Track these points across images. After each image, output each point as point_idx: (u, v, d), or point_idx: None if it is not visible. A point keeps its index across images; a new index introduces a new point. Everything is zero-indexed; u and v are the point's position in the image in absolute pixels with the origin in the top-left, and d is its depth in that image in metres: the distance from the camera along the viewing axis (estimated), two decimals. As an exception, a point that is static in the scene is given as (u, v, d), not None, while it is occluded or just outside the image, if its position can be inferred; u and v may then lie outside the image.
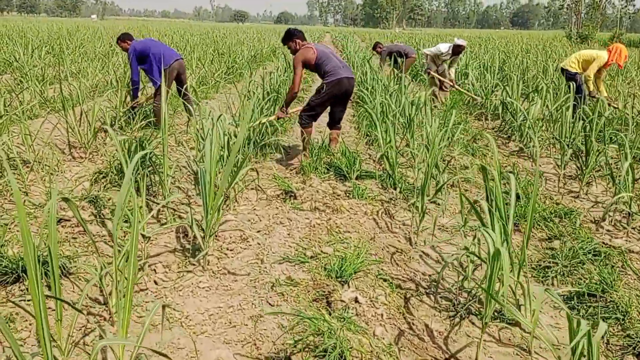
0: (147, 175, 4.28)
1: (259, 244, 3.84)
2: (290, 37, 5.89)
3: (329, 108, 5.89)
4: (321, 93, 5.63)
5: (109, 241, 3.74)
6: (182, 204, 4.58)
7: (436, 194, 4.52)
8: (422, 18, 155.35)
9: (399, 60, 10.29)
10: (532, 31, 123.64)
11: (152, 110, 7.29)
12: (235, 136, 5.42)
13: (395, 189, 4.98)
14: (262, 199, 4.81)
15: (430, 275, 3.45)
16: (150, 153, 4.60)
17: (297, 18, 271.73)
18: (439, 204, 4.75)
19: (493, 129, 8.16)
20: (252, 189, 5.10)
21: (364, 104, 8.81)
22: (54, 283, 2.06)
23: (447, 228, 4.28)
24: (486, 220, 2.92)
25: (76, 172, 5.33)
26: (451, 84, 9.59)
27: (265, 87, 7.80)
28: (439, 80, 9.73)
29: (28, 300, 2.86)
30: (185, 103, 7.51)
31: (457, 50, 9.41)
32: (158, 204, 4.16)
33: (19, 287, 2.96)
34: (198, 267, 3.50)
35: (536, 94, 7.96)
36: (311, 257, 3.56)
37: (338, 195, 4.76)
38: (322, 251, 3.64)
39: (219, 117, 4.39)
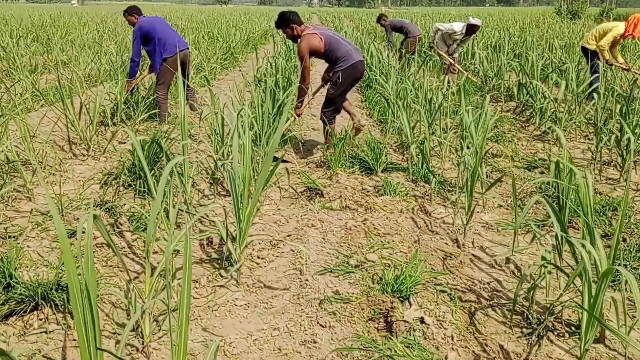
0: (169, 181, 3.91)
1: (292, 250, 3.50)
2: (286, 22, 5.35)
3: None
4: (338, 83, 5.21)
5: (129, 253, 3.38)
6: (201, 205, 4.22)
7: (487, 191, 4.16)
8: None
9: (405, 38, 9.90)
10: (519, 8, 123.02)
11: (154, 101, 6.87)
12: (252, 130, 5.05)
13: (429, 183, 4.64)
14: (285, 197, 4.46)
15: (488, 284, 3.13)
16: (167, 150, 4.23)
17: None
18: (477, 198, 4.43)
19: (508, 111, 7.83)
20: (272, 185, 4.74)
21: (372, 87, 8.45)
22: (93, 330, 1.70)
23: (491, 226, 3.95)
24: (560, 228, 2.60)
25: (80, 172, 4.94)
26: (452, 62, 9.23)
27: (272, 73, 7.40)
28: (447, 62, 9.37)
29: (50, 332, 2.50)
30: (189, 98, 7.10)
31: (471, 30, 9.03)
32: (181, 210, 3.79)
33: (37, 316, 2.60)
34: (231, 280, 3.15)
35: (554, 74, 7.63)
36: (356, 266, 3.22)
37: (368, 192, 4.41)
38: (366, 259, 3.30)
39: (240, 110, 4.02)
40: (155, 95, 6.82)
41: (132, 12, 6.76)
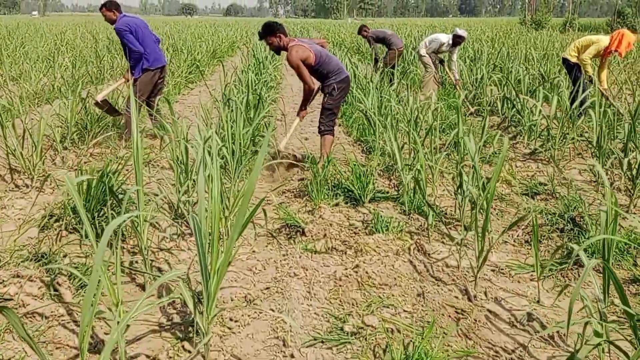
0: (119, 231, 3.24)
1: (273, 310, 2.89)
2: (272, 32, 5.06)
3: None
4: (335, 94, 5.09)
5: (68, 322, 2.72)
6: (161, 249, 3.58)
7: (505, 233, 3.62)
8: (373, 7, 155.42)
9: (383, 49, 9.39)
10: (482, 18, 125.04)
11: (115, 117, 6.18)
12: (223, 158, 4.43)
13: (423, 216, 4.08)
14: (260, 235, 3.85)
15: (513, 351, 2.57)
16: (119, 187, 3.58)
17: (246, 10, 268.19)
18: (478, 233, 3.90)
19: (492, 127, 7.37)
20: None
21: (349, 103, 7.91)
22: None
23: (501, 269, 3.41)
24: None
25: (21, 208, 4.24)
26: (456, 80, 8.79)
27: (241, 90, 6.79)
28: (434, 74, 8.90)
29: None
30: (154, 118, 6.44)
31: (457, 41, 8.60)
32: (134, 269, 3.14)
33: None
34: (197, 356, 2.53)
35: (543, 88, 7.21)
36: (352, 333, 2.63)
37: (356, 228, 3.83)
38: (364, 322, 2.71)
39: (207, 140, 3.40)
40: (125, 111, 6.14)
41: (111, 7, 5.98)
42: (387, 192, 4.56)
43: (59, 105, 6.09)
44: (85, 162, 5.58)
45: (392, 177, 5.02)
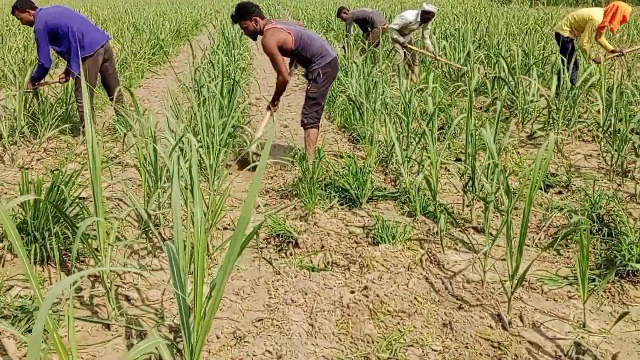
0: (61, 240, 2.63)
1: (270, 352, 2.35)
2: (247, 15, 4.40)
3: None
4: (319, 81, 4.45)
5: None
6: (127, 273, 3.00)
7: (551, 246, 3.14)
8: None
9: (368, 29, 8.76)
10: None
11: (78, 110, 5.49)
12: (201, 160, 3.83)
13: (430, 217, 3.58)
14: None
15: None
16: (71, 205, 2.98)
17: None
18: (491, 234, 3.43)
19: (480, 108, 6.90)
20: (225, 228, 3.56)
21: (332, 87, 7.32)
22: None
23: (531, 283, 2.94)
24: None
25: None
26: (432, 55, 8.20)
27: (213, 73, 6.15)
28: (411, 55, 8.34)
29: None
30: (117, 107, 5.77)
31: (425, 17, 8.04)
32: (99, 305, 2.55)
33: None
34: None
35: (538, 68, 6.75)
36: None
37: (357, 237, 3.30)
38: (386, 369, 2.20)
39: (181, 138, 2.81)
40: (77, 104, 5.45)
41: (24, 7, 5.12)
42: (385, 190, 4.04)
43: (6, 95, 5.37)
44: (38, 160, 4.92)
45: (387, 171, 4.50)
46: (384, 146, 4.94)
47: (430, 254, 3.16)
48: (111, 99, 5.79)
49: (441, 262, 3.11)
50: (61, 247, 3.01)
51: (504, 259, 3.17)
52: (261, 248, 3.29)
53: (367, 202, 3.83)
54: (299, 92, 7.88)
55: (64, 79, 5.67)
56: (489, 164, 3.45)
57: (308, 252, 3.15)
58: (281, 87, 4.52)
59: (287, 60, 4.69)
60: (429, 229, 3.48)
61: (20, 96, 5.20)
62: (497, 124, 3.64)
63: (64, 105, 5.83)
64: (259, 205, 3.86)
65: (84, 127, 5.48)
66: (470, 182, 3.63)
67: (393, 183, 4.31)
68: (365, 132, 5.31)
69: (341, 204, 3.77)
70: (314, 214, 3.44)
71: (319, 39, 4.52)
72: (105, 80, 5.64)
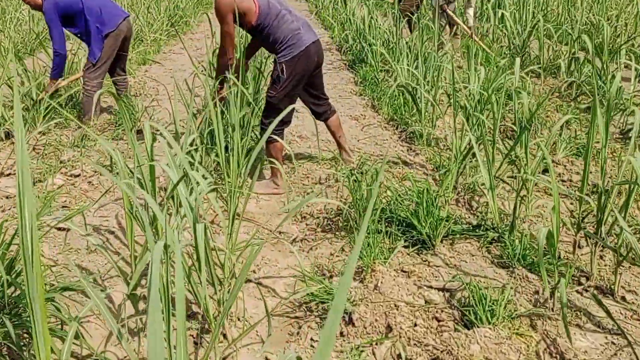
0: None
1: None
2: None
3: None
4: (282, 80, 3.31)
5: None
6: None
7: None
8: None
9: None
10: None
11: (83, 92, 4.56)
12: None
13: (532, 271, 2.55)
14: (275, 313, 2.33)
15: None
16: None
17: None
18: (624, 299, 2.39)
19: (552, 92, 5.72)
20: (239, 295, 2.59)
21: (367, 63, 6.22)
22: None
23: None
24: None
25: None
26: (469, 31, 6.92)
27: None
28: (451, 22, 7.12)
29: None
30: (121, 88, 4.83)
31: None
32: None
33: None
34: None
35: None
36: None
37: (437, 308, 2.29)
38: None
39: (176, 184, 1.81)
40: (84, 87, 4.52)
41: None
42: (462, 220, 3.00)
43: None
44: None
45: (458, 188, 3.44)
46: (443, 145, 3.89)
47: (548, 341, 2.14)
48: (114, 82, 4.85)
49: (564, 353, 2.10)
50: None
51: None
52: (297, 319, 2.30)
53: (442, 240, 2.81)
54: (334, 71, 6.79)
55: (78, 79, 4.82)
56: (627, 201, 2.39)
57: (368, 333, 2.16)
58: (222, 66, 3.40)
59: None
60: (536, 291, 2.45)
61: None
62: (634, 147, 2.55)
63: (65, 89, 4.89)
64: (294, 239, 2.88)
65: (87, 118, 4.56)
66: (593, 222, 2.58)
67: (468, 205, 3.27)
68: (422, 130, 4.25)
69: (406, 246, 2.75)
70: (374, 272, 2.42)
71: (298, 18, 3.34)
72: (114, 61, 4.68)
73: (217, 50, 3.44)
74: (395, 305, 2.24)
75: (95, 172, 3.65)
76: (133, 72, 6.54)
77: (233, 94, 3.28)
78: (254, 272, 2.69)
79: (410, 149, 4.24)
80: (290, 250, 2.61)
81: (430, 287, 2.42)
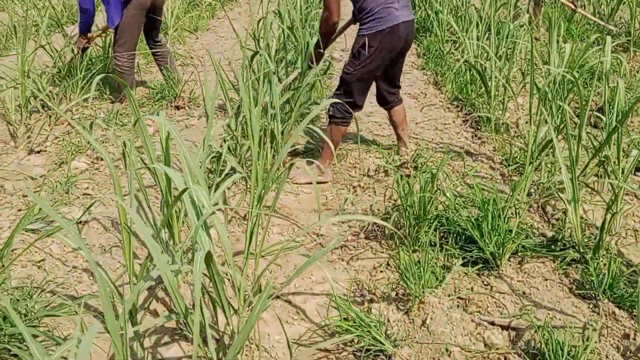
0: None
1: None
2: None
3: None
4: (362, 56, 2.90)
5: None
6: None
7: None
8: None
9: None
10: None
11: (113, 69, 4.26)
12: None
13: (629, 312, 2.05)
14: (301, 342, 1.96)
15: None
16: None
17: None
18: None
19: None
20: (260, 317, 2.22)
21: (432, 32, 5.63)
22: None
23: None
24: None
25: None
26: (572, 6, 6.07)
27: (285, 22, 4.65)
28: None
29: None
30: (161, 62, 4.47)
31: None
32: None
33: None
34: None
35: None
36: None
37: (496, 349, 1.85)
38: None
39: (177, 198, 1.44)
40: (115, 62, 4.20)
41: None
42: (533, 232, 2.51)
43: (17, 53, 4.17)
44: (56, 138, 3.72)
45: (530, 189, 2.91)
46: (514, 132, 3.37)
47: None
48: (152, 53, 4.49)
49: None
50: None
51: None
52: (328, 354, 1.92)
53: (509, 258, 2.34)
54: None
55: (102, 31, 4.48)
56: None
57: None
58: (328, 30, 3.03)
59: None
60: (626, 335, 1.96)
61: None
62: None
63: (103, 60, 4.60)
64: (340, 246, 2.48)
65: (122, 95, 4.26)
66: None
67: (541, 211, 2.76)
68: (490, 114, 3.72)
69: (465, 263, 2.29)
70: (423, 304, 1.98)
71: None
72: (148, 28, 4.32)
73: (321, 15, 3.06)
74: (447, 350, 1.81)
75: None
76: (183, 40, 6.23)
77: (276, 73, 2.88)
78: (283, 284, 2.32)
79: (476, 136, 3.73)
80: (327, 259, 2.21)
81: (492, 323, 1.97)
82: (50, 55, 4.49)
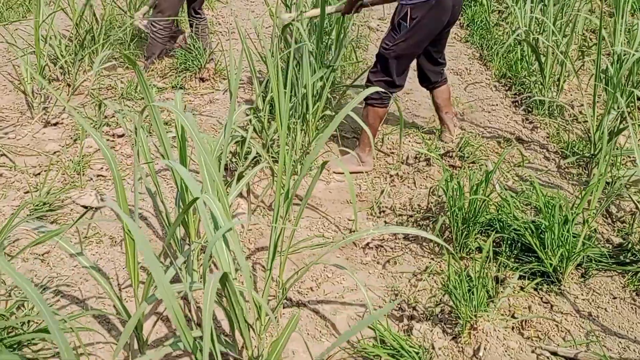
0: None
1: None
2: None
3: None
4: (403, 30, 2.56)
5: None
6: None
7: None
8: None
9: None
10: None
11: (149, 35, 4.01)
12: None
13: None
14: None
15: None
16: None
17: None
18: None
19: None
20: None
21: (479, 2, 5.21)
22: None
23: None
24: None
25: None
26: None
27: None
28: None
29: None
30: (199, 31, 4.17)
31: None
32: None
33: None
34: None
35: None
36: None
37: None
38: None
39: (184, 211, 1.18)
40: (151, 28, 3.93)
41: None
42: (599, 238, 2.19)
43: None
44: (74, 109, 3.48)
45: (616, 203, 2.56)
46: (570, 116, 3.01)
47: None
48: (190, 24, 4.19)
49: None
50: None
51: None
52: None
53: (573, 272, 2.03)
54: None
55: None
56: None
57: None
58: None
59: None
60: None
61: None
62: None
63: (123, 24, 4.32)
64: (367, 244, 2.21)
65: (149, 62, 4.01)
66: None
67: (605, 213, 2.43)
68: (544, 95, 3.35)
69: (521, 276, 1.99)
70: (475, 331, 1.70)
71: None
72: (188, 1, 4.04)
73: None
74: (502, 387, 1.54)
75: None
76: (211, 5, 5.90)
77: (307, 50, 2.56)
78: (312, 289, 2.06)
79: (527, 119, 3.37)
80: (361, 260, 1.93)
81: (555, 354, 1.68)
82: (71, 20, 4.23)
